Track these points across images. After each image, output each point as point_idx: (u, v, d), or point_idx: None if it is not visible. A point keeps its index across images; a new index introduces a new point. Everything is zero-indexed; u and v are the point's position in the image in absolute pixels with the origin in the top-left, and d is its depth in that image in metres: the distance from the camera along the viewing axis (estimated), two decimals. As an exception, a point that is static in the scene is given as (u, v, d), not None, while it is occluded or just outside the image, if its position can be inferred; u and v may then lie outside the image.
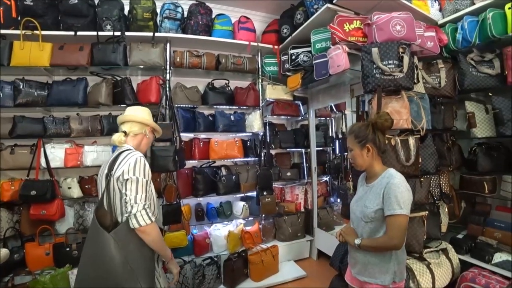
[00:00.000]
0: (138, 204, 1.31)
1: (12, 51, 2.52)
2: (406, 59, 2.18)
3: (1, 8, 2.50)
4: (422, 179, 2.40)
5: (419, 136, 2.32)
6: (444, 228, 2.59)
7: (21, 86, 2.56)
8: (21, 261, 2.43)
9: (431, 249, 2.34)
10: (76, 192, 2.69)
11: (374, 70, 2.21)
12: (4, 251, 1.81)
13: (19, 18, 2.55)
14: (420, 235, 2.29)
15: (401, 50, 2.20)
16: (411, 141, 2.25)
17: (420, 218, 2.29)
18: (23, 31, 2.51)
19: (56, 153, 2.66)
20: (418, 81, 2.45)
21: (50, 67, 2.62)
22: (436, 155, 2.46)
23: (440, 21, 2.71)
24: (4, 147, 2.57)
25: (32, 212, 2.49)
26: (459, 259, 2.39)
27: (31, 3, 2.52)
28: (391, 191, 1.41)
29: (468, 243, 2.45)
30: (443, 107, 2.60)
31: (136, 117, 1.62)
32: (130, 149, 1.48)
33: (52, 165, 2.62)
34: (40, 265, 2.44)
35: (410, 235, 2.27)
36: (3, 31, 2.51)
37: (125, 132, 1.56)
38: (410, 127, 2.24)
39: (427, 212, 2.30)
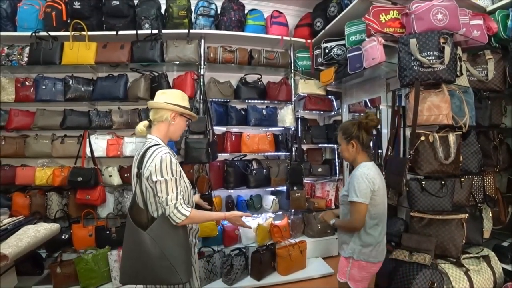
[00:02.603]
0: (170, 205, 1.31)
1: (63, 51, 2.77)
2: (447, 50, 2.04)
3: (54, 13, 2.75)
4: (462, 179, 2.25)
5: (460, 133, 2.16)
6: (487, 234, 2.41)
7: (71, 82, 2.82)
8: (68, 240, 2.71)
9: (471, 255, 2.18)
10: (116, 180, 2.90)
11: (412, 63, 2.10)
12: (56, 225, 2.05)
13: (68, 21, 2.80)
14: (458, 239, 2.15)
15: (442, 40, 2.06)
16: (451, 138, 2.11)
17: (458, 220, 2.15)
18: (72, 33, 2.75)
19: (99, 144, 2.88)
20: (462, 74, 2.27)
21: (95, 65, 2.85)
22: (480, 154, 2.28)
23: (489, 8, 2.47)
24: (56, 137, 2.85)
25: (78, 196, 2.74)
26: (503, 268, 2.20)
27: (79, 6, 2.74)
28: (351, 181, 1.69)
29: (515, 252, 2.24)
30: (490, 102, 2.38)
31: (156, 103, 1.46)
32: (156, 144, 1.41)
33: (96, 154, 2.85)
34: (84, 244, 2.69)
35: (447, 238, 2.15)
36: (55, 33, 2.77)
37: (150, 120, 1.48)
38: (451, 123, 2.10)
39: (466, 215, 2.15)
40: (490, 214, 2.42)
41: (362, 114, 3.69)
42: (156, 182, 1.31)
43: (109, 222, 2.79)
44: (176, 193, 1.33)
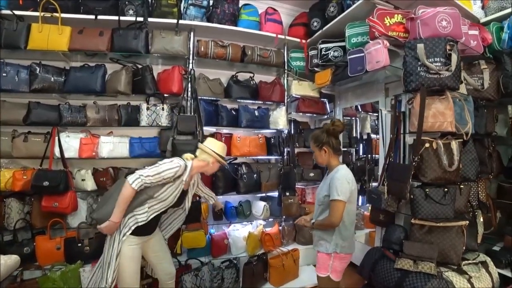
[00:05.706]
0: (139, 173, 1.72)
1: (29, 34, 2.37)
2: (454, 57, 2.04)
3: (21, -12, 2.35)
4: (462, 186, 2.25)
5: (461, 140, 2.17)
6: (478, 239, 2.45)
7: (38, 70, 2.42)
8: (31, 255, 2.30)
9: (469, 262, 2.19)
10: (90, 184, 2.55)
11: (418, 68, 2.07)
12: (14, 258, 1.83)
13: (38, 0, 2.40)
14: (459, 246, 2.15)
15: (448, 47, 2.06)
16: (454, 145, 2.11)
17: (459, 227, 2.16)
18: (42, 13, 2.37)
19: (70, 143, 2.51)
20: (462, 82, 2.30)
21: (68, 52, 2.48)
22: (478, 161, 2.32)
23: (483, 20, 2.57)
24: (18, 134, 2.43)
25: (44, 204, 2.34)
26: (498, 273, 2.24)
27: (52, -16, 2.36)
28: (333, 182, 1.84)
29: (507, 257, 2.29)
30: (485, 111, 2.44)
31: (207, 148, 2.01)
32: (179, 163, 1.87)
33: (66, 155, 2.47)
34: (51, 259, 2.31)
35: (448, 245, 2.14)
36: (22, 13, 2.37)
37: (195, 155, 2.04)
38: (454, 130, 2.09)
39: (467, 222, 2.16)
40: (482, 220, 2.47)
41: (353, 118, 3.70)
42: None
43: (81, 232, 2.42)
44: (146, 175, 1.72)
